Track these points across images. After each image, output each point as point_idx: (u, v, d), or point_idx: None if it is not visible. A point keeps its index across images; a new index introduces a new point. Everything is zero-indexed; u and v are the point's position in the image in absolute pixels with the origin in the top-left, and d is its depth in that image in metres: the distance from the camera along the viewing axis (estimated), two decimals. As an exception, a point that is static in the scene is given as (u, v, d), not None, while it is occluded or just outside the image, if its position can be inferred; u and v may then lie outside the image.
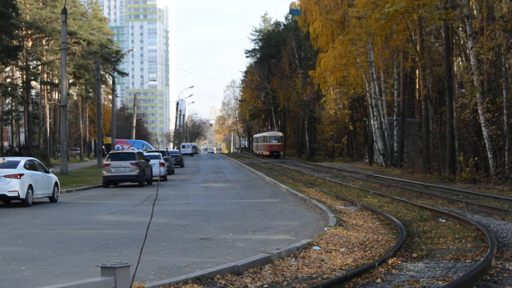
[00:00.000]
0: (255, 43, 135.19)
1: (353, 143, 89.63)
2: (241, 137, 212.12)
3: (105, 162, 43.51)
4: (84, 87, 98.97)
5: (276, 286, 12.23)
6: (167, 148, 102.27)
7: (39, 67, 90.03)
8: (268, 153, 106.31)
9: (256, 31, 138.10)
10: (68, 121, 65.23)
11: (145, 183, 43.37)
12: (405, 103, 61.30)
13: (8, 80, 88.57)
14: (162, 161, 49.36)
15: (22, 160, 29.69)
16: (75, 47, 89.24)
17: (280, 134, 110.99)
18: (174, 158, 69.83)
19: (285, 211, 25.25)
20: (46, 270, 13.04)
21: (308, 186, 39.13)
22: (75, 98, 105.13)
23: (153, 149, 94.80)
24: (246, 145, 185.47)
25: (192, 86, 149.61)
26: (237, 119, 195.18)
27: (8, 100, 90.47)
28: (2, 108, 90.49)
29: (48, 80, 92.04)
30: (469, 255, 15.24)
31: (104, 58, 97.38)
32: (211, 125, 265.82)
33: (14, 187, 27.85)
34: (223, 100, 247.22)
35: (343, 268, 14.08)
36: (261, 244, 16.22)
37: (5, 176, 27.80)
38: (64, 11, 53.19)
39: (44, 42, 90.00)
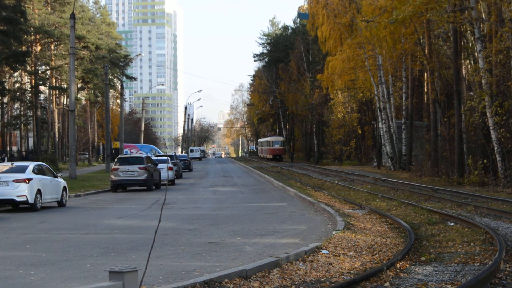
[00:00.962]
0: (263, 47, 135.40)
1: (362, 146, 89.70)
2: (249, 141, 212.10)
3: (113, 166, 43.53)
4: (92, 92, 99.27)
5: (284, 290, 12.23)
6: (175, 152, 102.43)
7: (48, 72, 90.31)
8: (271, 156, 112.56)
9: (264, 35, 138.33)
10: (76, 126, 65.34)
11: (154, 187, 43.37)
12: (413, 106, 61.22)
13: (17, 85, 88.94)
14: (170, 165, 49.36)
15: (31, 164, 29.74)
16: (84, 52, 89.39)
17: (282, 138, 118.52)
18: (183, 162, 69.94)
19: (293, 215, 25.22)
20: (54, 275, 13.06)
21: (316, 190, 39.10)
22: (84, 102, 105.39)
23: (162, 153, 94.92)
24: (255, 149, 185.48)
25: (200, 90, 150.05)
26: (245, 123, 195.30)
27: (16, 105, 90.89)
28: (11, 113, 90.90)
29: (57, 84, 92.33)
30: (477, 259, 15.20)
31: (113, 63, 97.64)
32: (219, 129, 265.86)
33: (22, 192, 27.87)
34: (231, 104, 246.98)
35: (351, 271, 14.07)
36: (269, 248, 16.21)
37: (13, 180, 27.84)
38: (73, 16, 53.25)
39: (52, 47, 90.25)
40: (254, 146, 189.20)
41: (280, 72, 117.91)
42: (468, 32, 49.63)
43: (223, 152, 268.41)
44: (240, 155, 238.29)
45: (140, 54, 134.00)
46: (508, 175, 38.85)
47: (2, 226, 22.78)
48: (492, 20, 40.67)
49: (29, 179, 28.15)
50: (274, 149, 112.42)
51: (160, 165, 46.93)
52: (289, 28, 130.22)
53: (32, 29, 78.78)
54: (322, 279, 13.22)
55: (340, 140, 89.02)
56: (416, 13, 42.25)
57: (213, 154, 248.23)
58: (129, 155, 52.90)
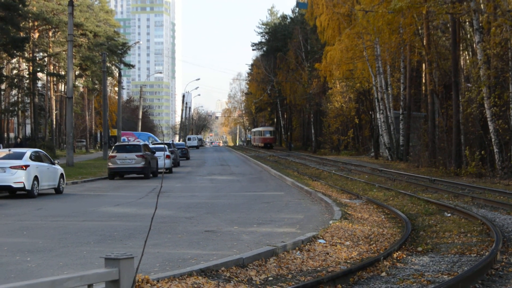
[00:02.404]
0: (261, 36, 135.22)
1: (359, 136, 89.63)
2: (247, 130, 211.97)
3: (110, 154, 43.50)
4: (90, 79, 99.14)
5: (281, 279, 12.22)
6: (173, 140, 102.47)
7: (46, 59, 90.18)
8: (262, 144, 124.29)
9: (262, 24, 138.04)
10: (74, 113, 65.27)
11: (151, 175, 43.37)
12: (411, 97, 61.17)
13: (15, 71, 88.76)
14: (167, 153, 49.35)
15: (28, 151, 29.72)
16: (82, 39, 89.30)
17: (272, 128, 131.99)
18: (180, 150, 69.86)
19: (290, 204, 25.23)
20: (51, 262, 13.06)
21: (313, 179, 39.11)
22: (81, 90, 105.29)
23: (159, 141, 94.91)
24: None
25: (198, 79, 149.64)
26: (243, 112, 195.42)
27: (14, 92, 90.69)
28: (9, 100, 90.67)
29: (55, 71, 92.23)
30: (474, 250, 15.22)
31: (111, 50, 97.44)
32: (217, 117, 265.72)
33: (19, 178, 27.84)
34: (229, 93, 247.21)
35: (348, 261, 14.07)
36: (266, 237, 16.21)
37: (11, 167, 27.81)
38: (71, 3, 53.20)
39: (50, 33, 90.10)
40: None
41: (278, 61, 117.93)
42: (467, 23, 49.58)
43: (221, 141, 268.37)
44: (237, 144, 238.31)
45: (138, 42, 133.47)
46: (505, 167, 38.87)
47: (-1, 212, 22.79)
48: (489, 11, 40.61)
49: (26, 166, 28.13)
50: (265, 138, 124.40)
51: (157, 153, 46.92)
52: (288, 17, 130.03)
53: (30, 15, 78.63)
54: (318, 268, 13.23)
55: (337, 130, 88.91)
56: (414, 3, 42.15)
57: (211, 143, 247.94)
58: (127, 143, 52.88)
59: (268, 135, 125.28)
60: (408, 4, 40.95)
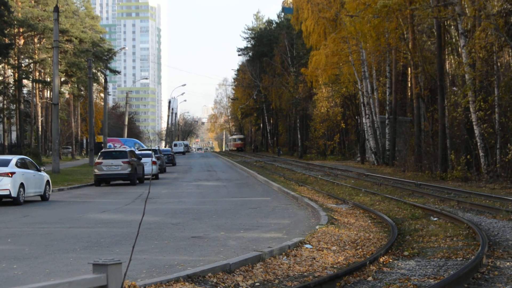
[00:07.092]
0: (247, 41, 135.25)
1: (345, 141, 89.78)
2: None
3: (97, 160, 43.42)
4: (76, 85, 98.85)
5: (268, 284, 12.24)
6: (159, 147, 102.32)
7: (31, 65, 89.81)
8: (235, 148, 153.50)
9: (248, 29, 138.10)
10: (60, 120, 65.08)
11: (137, 181, 43.30)
12: (397, 101, 61.29)
13: (0, 78, 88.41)
14: (154, 159, 49.28)
15: (14, 158, 29.59)
16: (67, 45, 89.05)
17: (243, 136, 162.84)
18: (166, 156, 69.84)
19: (277, 210, 25.25)
20: (37, 269, 13.02)
21: (300, 185, 39.12)
22: (67, 96, 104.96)
23: (145, 147, 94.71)
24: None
25: (184, 85, 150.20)
26: (229, 117, 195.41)
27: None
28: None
29: (40, 78, 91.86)
30: (460, 253, 15.26)
31: (96, 56, 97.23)
32: (203, 123, 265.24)
33: (5, 186, 27.72)
34: (215, 99, 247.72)
35: (334, 266, 14.10)
36: (252, 243, 16.22)
37: (-4, 174, 27.72)
38: (56, 9, 53.09)
39: (36, 40, 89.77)
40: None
41: (264, 66, 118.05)
42: (452, 27, 49.78)
43: (208, 148, 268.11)
44: (224, 149, 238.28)
45: (124, 47, 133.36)
46: (491, 171, 39.02)
47: (-16, 219, 22.70)
48: (471, 15, 40.77)
49: (12, 173, 28.01)
50: (237, 143, 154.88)
51: (144, 159, 46.86)
52: (274, 22, 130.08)
53: (15, 22, 78.37)
54: (305, 274, 13.25)
55: (324, 134, 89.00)
56: (400, 6, 42.29)
57: (199, 149, 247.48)
58: (113, 149, 52.81)
59: (239, 141, 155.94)
60: (392, 6, 41.10)
